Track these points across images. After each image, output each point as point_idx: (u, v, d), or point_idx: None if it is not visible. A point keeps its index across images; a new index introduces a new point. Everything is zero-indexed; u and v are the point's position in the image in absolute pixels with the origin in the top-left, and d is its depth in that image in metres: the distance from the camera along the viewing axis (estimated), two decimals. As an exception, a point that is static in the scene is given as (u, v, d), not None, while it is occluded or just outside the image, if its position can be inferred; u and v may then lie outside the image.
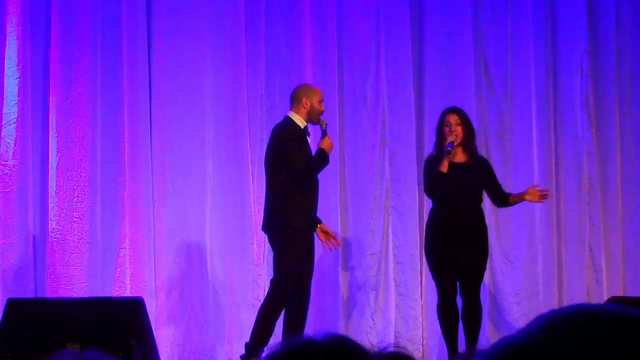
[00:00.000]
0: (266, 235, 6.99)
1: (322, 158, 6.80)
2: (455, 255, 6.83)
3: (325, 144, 6.82)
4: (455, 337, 7.00)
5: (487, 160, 7.20)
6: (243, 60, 7.85)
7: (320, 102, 6.88)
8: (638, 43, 8.56)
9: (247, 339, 6.76)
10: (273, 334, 6.78)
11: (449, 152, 6.84)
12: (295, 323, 6.77)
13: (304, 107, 6.83)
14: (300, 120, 6.82)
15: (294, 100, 6.90)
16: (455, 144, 6.87)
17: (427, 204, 8.01)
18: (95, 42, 7.55)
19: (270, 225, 6.81)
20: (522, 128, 8.35)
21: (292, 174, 6.70)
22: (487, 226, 7.08)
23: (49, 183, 7.40)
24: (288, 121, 6.86)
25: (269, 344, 6.82)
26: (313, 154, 6.81)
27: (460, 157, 6.95)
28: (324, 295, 7.87)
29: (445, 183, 6.86)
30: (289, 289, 6.71)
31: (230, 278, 7.66)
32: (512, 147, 8.29)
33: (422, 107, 8.25)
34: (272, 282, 6.81)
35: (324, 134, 6.85)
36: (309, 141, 6.85)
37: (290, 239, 6.71)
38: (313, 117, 6.86)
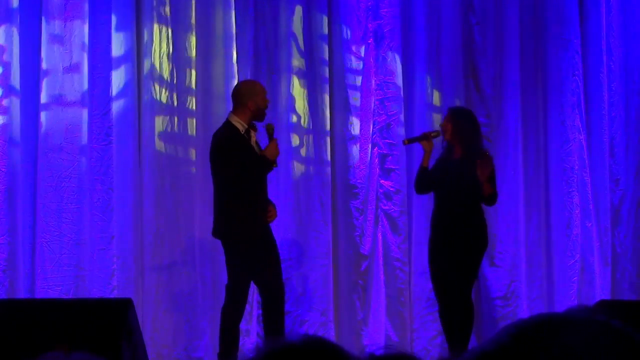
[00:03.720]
0: None
1: (263, 166, 6.58)
2: (447, 257, 6.87)
3: (269, 151, 6.59)
4: (451, 336, 6.99)
5: (486, 157, 7.00)
6: (232, 58, 7.83)
7: (265, 97, 6.69)
8: (628, 45, 8.58)
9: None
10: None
11: (424, 137, 6.97)
12: (273, 322, 6.68)
13: (250, 110, 6.59)
14: (240, 124, 6.58)
15: (237, 102, 6.66)
16: (433, 135, 6.98)
17: (416, 206, 8.03)
18: (83, 40, 7.54)
19: (217, 233, 6.72)
20: (510, 131, 8.36)
21: (229, 184, 6.56)
22: (482, 224, 6.98)
23: (38, 184, 7.38)
24: (226, 127, 6.63)
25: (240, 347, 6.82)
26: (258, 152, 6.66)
27: (456, 153, 6.99)
28: (314, 297, 7.86)
29: (427, 177, 6.94)
30: (240, 296, 6.62)
31: (219, 278, 7.65)
32: (500, 149, 8.30)
33: (412, 110, 8.25)
34: (225, 287, 6.72)
35: (270, 138, 6.64)
36: (253, 139, 6.65)
37: (234, 249, 6.61)
38: (259, 117, 6.64)
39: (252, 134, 6.64)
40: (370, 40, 8.14)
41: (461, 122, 6.98)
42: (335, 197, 8.01)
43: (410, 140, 7.17)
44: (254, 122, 6.64)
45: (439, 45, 8.30)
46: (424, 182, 7.02)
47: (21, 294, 7.27)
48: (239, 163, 6.48)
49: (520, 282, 8.25)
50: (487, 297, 8.21)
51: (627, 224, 8.51)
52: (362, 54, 8.13)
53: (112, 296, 7.32)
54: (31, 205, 7.39)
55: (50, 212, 7.38)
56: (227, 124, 6.64)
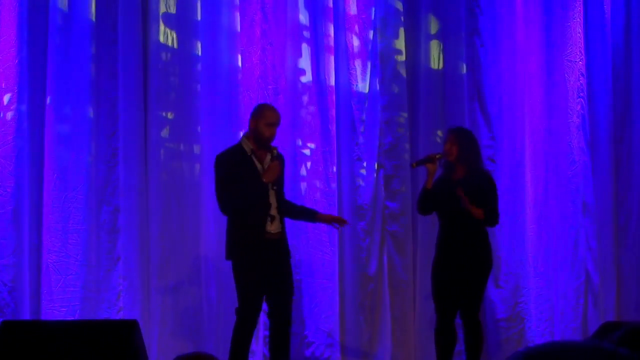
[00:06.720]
0: None
1: (256, 186, 6.42)
2: (451, 277, 6.85)
3: (266, 174, 6.44)
4: (442, 355, 6.97)
5: (486, 178, 6.99)
6: (238, 73, 7.84)
7: (269, 125, 6.49)
8: (632, 67, 8.59)
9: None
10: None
11: (430, 159, 6.96)
12: (279, 345, 6.66)
13: (250, 129, 6.53)
14: (246, 144, 6.51)
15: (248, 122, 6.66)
16: (438, 157, 6.97)
17: (421, 227, 8.03)
18: (88, 51, 7.56)
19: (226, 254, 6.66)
20: (514, 152, 8.36)
21: (223, 203, 6.43)
22: (487, 244, 6.94)
23: (44, 204, 7.39)
24: (235, 145, 6.60)
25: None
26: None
27: (458, 174, 6.98)
28: (320, 318, 7.86)
29: (431, 199, 6.93)
30: (250, 317, 6.51)
31: (225, 299, 7.64)
32: (505, 171, 8.29)
33: (417, 131, 8.26)
34: (235, 310, 6.60)
35: (272, 159, 6.50)
36: (265, 161, 6.56)
37: (236, 269, 6.53)
38: (259, 142, 6.48)
39: (268, 157, 6.53)
40: (376, 62, 8.16)
41: (465, 143, 6.98)
42: (342, 215, 7.99)
43: (417, 163, 7.17)
44: (262, 146, 6.52)
45: (444, 67, 8.32)
46: (427, 203, 7.02)
47: (27, 315, 7.27)
48: (231, 180, 6.39)
49: (526, 303, 8.23)
50: (492, 319, 8.20)
51: (633, 245, 8.50)
52: (369, 74, 8.14)
53: (118, 317, 7.32)
54: (37, 226, 7.40)
55: (56, 233, 7.39)
56: (237, 143, 6.64)
